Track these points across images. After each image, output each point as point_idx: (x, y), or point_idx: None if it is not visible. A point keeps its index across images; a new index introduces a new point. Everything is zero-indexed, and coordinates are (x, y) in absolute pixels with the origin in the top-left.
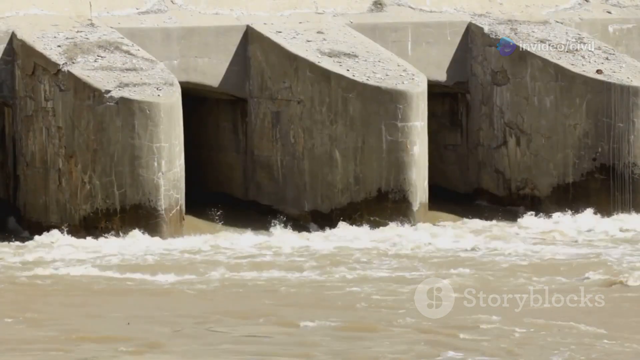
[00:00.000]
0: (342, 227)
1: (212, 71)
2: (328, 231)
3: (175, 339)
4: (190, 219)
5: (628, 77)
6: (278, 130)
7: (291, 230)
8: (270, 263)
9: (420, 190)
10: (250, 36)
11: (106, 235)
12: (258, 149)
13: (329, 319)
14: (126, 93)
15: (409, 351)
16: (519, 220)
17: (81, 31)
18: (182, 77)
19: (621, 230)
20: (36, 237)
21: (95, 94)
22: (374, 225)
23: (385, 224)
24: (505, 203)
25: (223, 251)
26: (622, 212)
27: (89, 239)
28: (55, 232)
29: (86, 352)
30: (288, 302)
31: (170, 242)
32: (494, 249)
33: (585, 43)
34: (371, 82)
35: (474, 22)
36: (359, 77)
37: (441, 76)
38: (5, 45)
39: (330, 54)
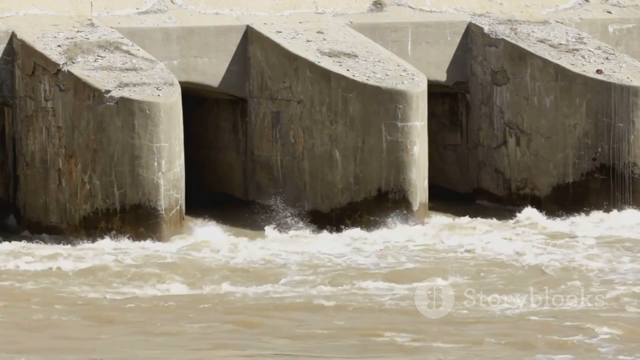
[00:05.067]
0: None
1: (212, 71)
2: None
3: None
4: (190, 219)
5: (628, 77)
6: (278, 130)
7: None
8: None
9: (420, 190)
10: (250, 36)
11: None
12: (258, 149)
13: None
14: (126, 93)
15: None
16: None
17: (81, 31)
18: (182, 77)
19: None
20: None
21: (95, 94)
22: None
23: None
24: (505, 203)
25: None
26: None
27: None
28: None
29: None
30: None
31: None
32: None
33: (585, 43)
34: (371, 82)
35: (474, 22)
36: (359, 77)
37: (441, 76)
38: (5, 45)
39: (330, 54)
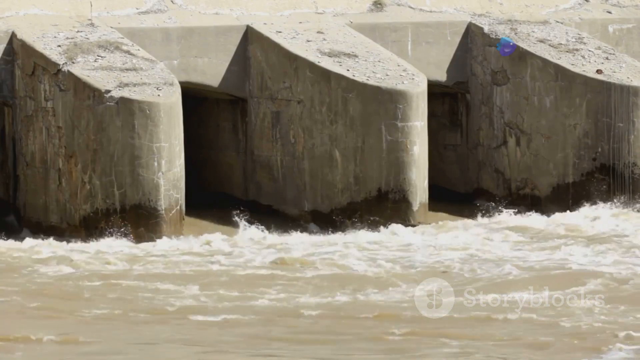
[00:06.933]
0: None
1: (212, 71)
2: None
3: None
4: (190, 220)
5: (628, 77)
6: (278, 130)
7: None
8: None
9: (420, 190)
10: (250, 36)
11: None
12: (258, 149)
13: None
14: (126, 93)
15: None
16: None
17: (81, 31)
18: (182, 77)
19: None
20: None
21: (95, 94)
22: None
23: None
24: (505, 203)
25: None
26: None
27: None
28: None
29: None
30: None
31: None
32: None
33: (585, 43)
34: (371, 82)
35: (474, 22)
36: (359, 77)
37: (441, 76)
38: (5, 45)
39: (330, 54)
